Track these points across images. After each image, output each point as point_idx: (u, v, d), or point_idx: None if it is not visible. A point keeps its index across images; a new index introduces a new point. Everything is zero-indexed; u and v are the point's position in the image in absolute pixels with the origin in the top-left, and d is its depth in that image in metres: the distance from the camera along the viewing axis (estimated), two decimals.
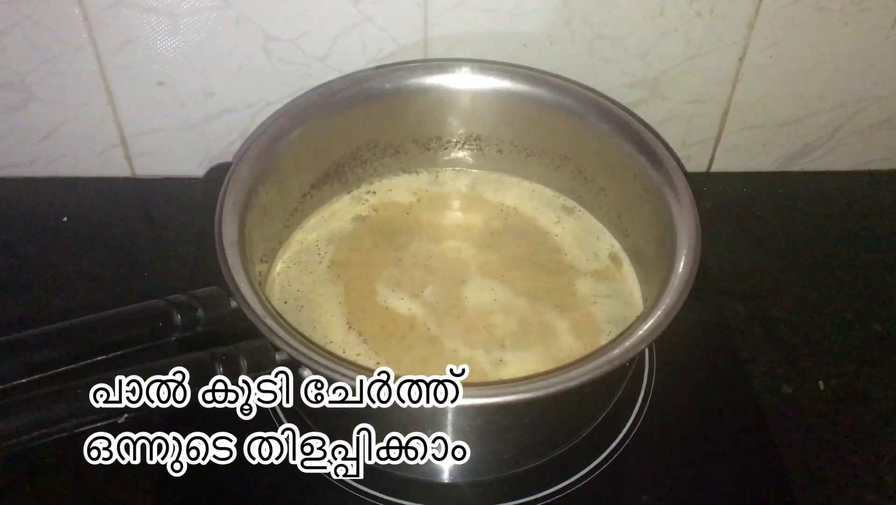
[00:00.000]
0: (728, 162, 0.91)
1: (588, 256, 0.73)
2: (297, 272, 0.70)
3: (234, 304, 0.55)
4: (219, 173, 0.83)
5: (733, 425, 0.68)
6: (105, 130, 0.84)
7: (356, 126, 0.71)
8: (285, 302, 0.68)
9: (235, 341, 0.52)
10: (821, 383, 0.74)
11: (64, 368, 0.47)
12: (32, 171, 0.86)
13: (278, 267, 0.70)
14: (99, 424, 0.46)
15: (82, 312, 0.76)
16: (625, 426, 0.66)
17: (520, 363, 0.64)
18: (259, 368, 0.52)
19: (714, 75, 0.83)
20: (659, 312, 0.54)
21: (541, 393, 0.49)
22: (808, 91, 0.85)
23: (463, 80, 0.72)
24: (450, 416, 0.55)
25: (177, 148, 0.86)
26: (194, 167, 0.88)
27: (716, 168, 0.92)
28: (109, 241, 0.83)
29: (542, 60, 0.79)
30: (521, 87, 0.71)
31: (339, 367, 0.50)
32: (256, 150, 0.64)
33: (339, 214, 0.75)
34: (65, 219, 0.85)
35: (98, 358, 0.49)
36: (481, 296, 0.69)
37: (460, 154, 0.77)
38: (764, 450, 0.66)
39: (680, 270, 0.56)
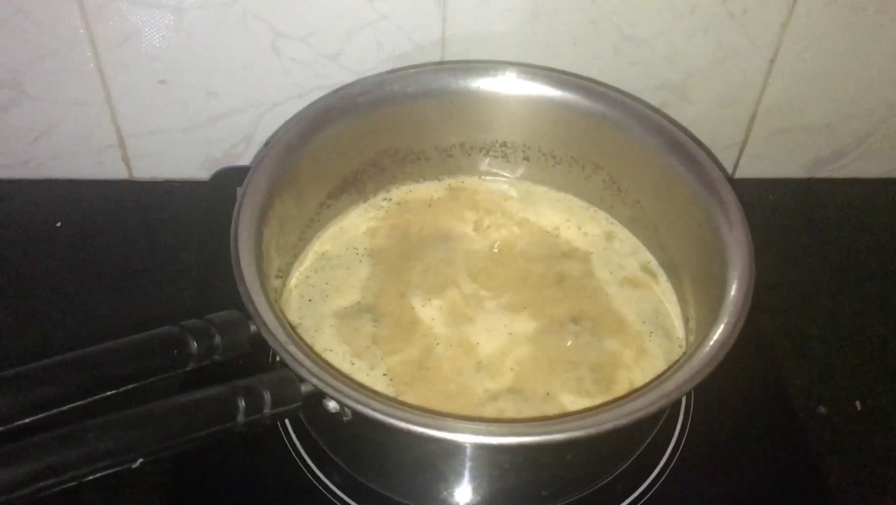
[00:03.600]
0: (753, 168, 0.88)
1: (621, 270, 0.69)
2: (311, 291, 0.66)
3: (253, 328, 0.50)
4: (225, 178, 0.80)
5: (775, 455, 0.65)
6: (102, 130, 0.80)
7: (377, 132, 0.68)
8: (300, 320, 0.64)
9: (255, 371, 0.47)
10: (857, 404, 0.71)
11: (70, 406, 0.43)
12: (24, 172, 0.83)
13: (293, 281, 0.66)
14: (112, 471, 0.42)
15: (79, 326, 0.74)
16: (664, 455, 0.62)
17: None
18: (283, 400, 0.48)
19: (743, 78, 0.80)
20: (712, 343, 0.50)
21: (592, 431, 0.46)
22: (839, 95, 0.82)
23: (490, 84, 0.68)
24: (489, 453, 0.51)
25: (177, 150, 0.82)
26: (196, 170, 0.84)
27: (740, 174, 0.89)
28: (106, 247, 0.79)
29: (565, 61, 0.76)
30: (551, 90, 0.68)
31: (380, 408, 0.46)
32: (274, 159, 0.60)
33: (355, 224, 0.72)
34: (59, 224, 0.81)
35: (107, 393, 0.44)
36: (511, 325, 0.65)
37: (485, 161, 0.74)
38: (810, 482, 0.63)
39: (732, 296, 0.53)
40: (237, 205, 0.56)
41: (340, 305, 0.65)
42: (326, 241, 0.70)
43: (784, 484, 0.63)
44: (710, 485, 0.62)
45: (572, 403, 0.60)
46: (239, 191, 0.57)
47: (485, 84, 0.68)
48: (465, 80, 0.67)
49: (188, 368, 0.48)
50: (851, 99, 0.83)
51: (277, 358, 0.48)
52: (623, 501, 0.59)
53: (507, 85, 0.68)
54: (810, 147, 0.87)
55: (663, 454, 0.62)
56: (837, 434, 0.69)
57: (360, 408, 0.46)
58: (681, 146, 0.62)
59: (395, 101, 0.66)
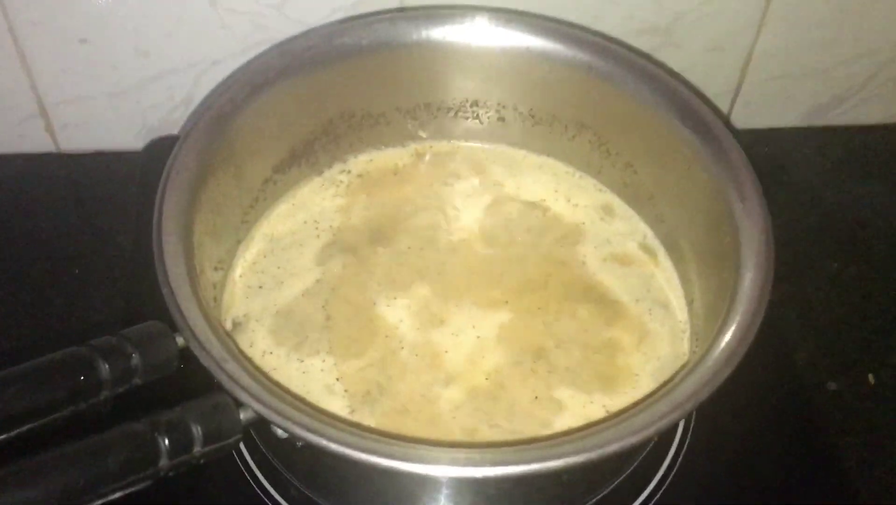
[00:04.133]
0: (748, 117, 0.83)
1: (610, 246, 0.62)
2: (261, 278, 0.57)
3: (180, 341, 0.42)
4: (161, 148, 0.74)
5: (785, 437, 0.61)
6: (19, 99, 0.74)
7: (328, 93, 0.61)
8: (245, 315, 0.56)
9: (183, 397, 0.39)
10: (870, 377, 0.66)
11: None
12: None
13: (238, 271, 0.58)
14: None
15: (2, 332, 0.65)
16: (673, 443, 0.57)
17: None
18: (218, 434, 0.40)
19: (737, 20, 0.74)
20: (725, 344, 0.43)
21: (594, 455, 0.38)
22: (839, 36, 0.77)
23: (457, 33, 0.61)
24: (472, 483, 0.44)
25: (108, 117, 0.76)
26: (131, 139, 0.78)
27: (734, 124, 0.83)
28: (32, 230, 0.73)
29: (538, 2, 0.69)
30: (528, 38, 0.61)
31: (339, 438, 0.38)
32: (203, 131, 0.52)
33: (308, 203, 0.64)
34: None
35: None
36: (484, 323, 0.57)
37: (455, 123, 0.66)
38: (824, 466, 0.59)
39: (746, 286, 0.45)
40: (160, 189, 0.47)
41: (293, 293, 0.57)
42: (276, 222, 0.62)
43: (796, 468, 0.59)
44: (719, 473, 0.58)
45: (570, 396, 0.54)
46: (164, 172, 0.48)
47: (451, 33, 0.61)
48: (428, 30, 0.60)
49: (100, 398, 0.40)
50: (853, 41, 0.77)
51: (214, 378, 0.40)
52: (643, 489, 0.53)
53: (477, 34, 0.61)
54: (808, 93, 0.82)
55: (672, 442, 0.57)
56: (850, 412, 0.65)
57: (314, 439, 0.38)
58: (682, 102, 0.56)
59: (347, 57, 0.59)
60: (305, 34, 0.59)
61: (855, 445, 0.62)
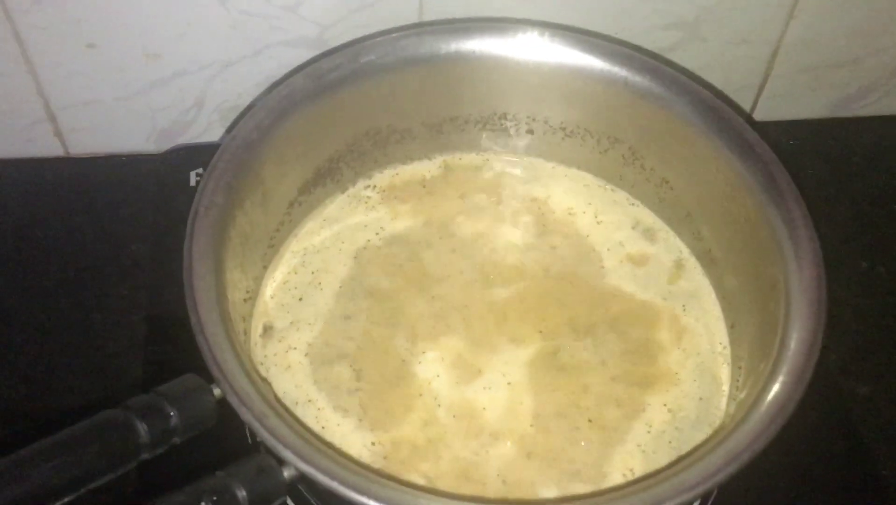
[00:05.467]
0: (771, 110, 0.81)
1: (648, 259, 0.61)
2: (288, 304, 0.56)
3: (217, 392, 0.41)
4: (180, 157, 0.73)
5: (819, 443, 0.60)
6: (27, 103, 0.72)
7: (353, 111, 0.59)
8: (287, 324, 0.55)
9: (222, 450, 0.38)
10: None
11: None
12: None
13: (269, 291, 0.56)
14: None
15: (15, 347, 0.64)
16: None
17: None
18: (265, 497, 0.38)
19: (766, 11, 0.72)
20: (776, 392, 0.42)
21: None
22: (870, 27, 0.75)
23: (486, 47, 0.59)
24: None
25: (117, 121, 0.74)
26: (142, 142, 0.76)
27: (756, 117, 0.82)
28: (43, 238, 0.71)
29: (563, 3, 0.67)
30: (562, 52, 0.58)
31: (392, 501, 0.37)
32: (229, 162, 0.49)
33: (333, 221, 0.62)
34: None
35: None
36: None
37: (482, 136, 0.64)
38: (860, 473, 0.59)
39: (793, 343, 0.44)
40: (189, 228, 0.45)
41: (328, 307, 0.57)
42: (304, 239, 0.60)
43: (832, 476, 0.59)
44: (755, 482, 0.56)
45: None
46: (191, 212, 0.46)
47: (480, 46, 0.58)
48: (457, 43, 0.58)
49: (140, 459, 0.39)
50: (883, 30, 0.75)
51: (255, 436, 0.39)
52: None
53: (508, 47, 0.59)
54: (835, 84, 0.80)
55: None
56: (885, 417, 0.64)
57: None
58: (724, 121, 0.54)
59: (373, 74, 0.57)
60: (329, 55, 0.56)
61: (889, 451, 0.62)
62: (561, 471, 0.51)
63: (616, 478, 0.51)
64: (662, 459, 0.52)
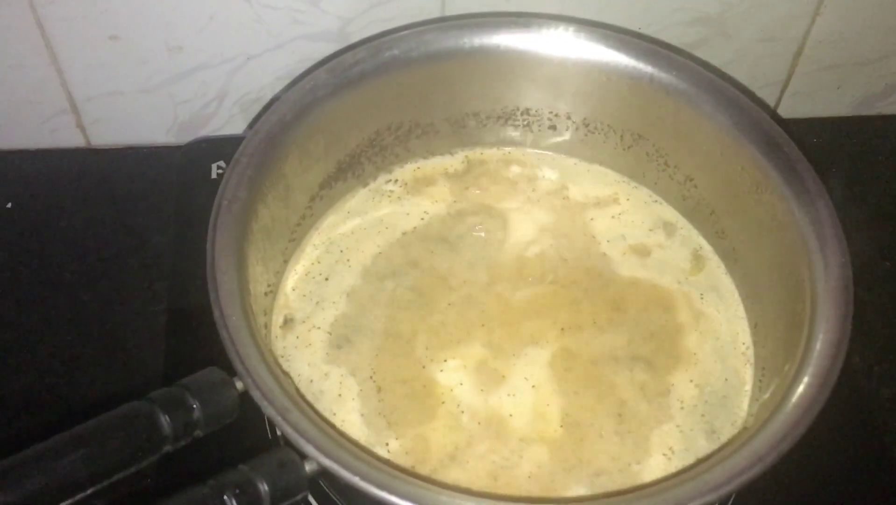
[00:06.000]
0: (795, 107, 0.81)
1: (668, 255, 0.60)
2: (307, 301, 0.57)
3: (239, 386, 0.41)
4: (202, 150, 0.72)
5: (843, 447, 0.59)
6: (50, 95, 0.72)
7: (376, 106, 0.59)
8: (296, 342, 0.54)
9: (243, 441, 0.38)
10: None
11: None
12: None
13: (290, 284, 0.57)
14: None
15: (34, 342, 0.64)
16: None
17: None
18: (287, 491, 0.38)
19: (791, 8, 0.72)
20: (801, 393, 0.41)
21: None
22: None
23: (511, 41, 0.58)
24: None
25: (139, 113, 0.74)
26: (163, 134, 0.77)
27: (781, 114, 0.81)
28: (66, 228, 0.72)
29: None
30: (587, 48, 0.58)
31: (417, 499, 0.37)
32: (252, 156, 0.49)
33: (356, 214, 0.62)
34: (9, 205, 0.73)
35: None
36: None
37: (504, 131, 0.64)
38: (886, 479, 0.58)
39: (819, 344, 0.43)
40: (211, 223, 0.45)
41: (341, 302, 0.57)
42: (325, 232, 0.60)
43: (853, 478, 0.59)
44: (776, 483, 0.56)
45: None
46: (214, 206, 0.46)
47: (505, 41, 0.58)
48: (481, 38, 0.57)
49: (162, 452, 0.39)
50: None
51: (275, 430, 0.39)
52: None
53: (532, 42, 0.58)
54: (861, 82, 0.80)
55: None
56: None
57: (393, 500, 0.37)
58: (752, 121, 0.53)
59: (396, 69, 0.57)
60: (352, 48, 0.56)
61: None
62: (595, 469, 0.50)
63: (657, 459, 0.51)
64: (698, 436, 0.52)
